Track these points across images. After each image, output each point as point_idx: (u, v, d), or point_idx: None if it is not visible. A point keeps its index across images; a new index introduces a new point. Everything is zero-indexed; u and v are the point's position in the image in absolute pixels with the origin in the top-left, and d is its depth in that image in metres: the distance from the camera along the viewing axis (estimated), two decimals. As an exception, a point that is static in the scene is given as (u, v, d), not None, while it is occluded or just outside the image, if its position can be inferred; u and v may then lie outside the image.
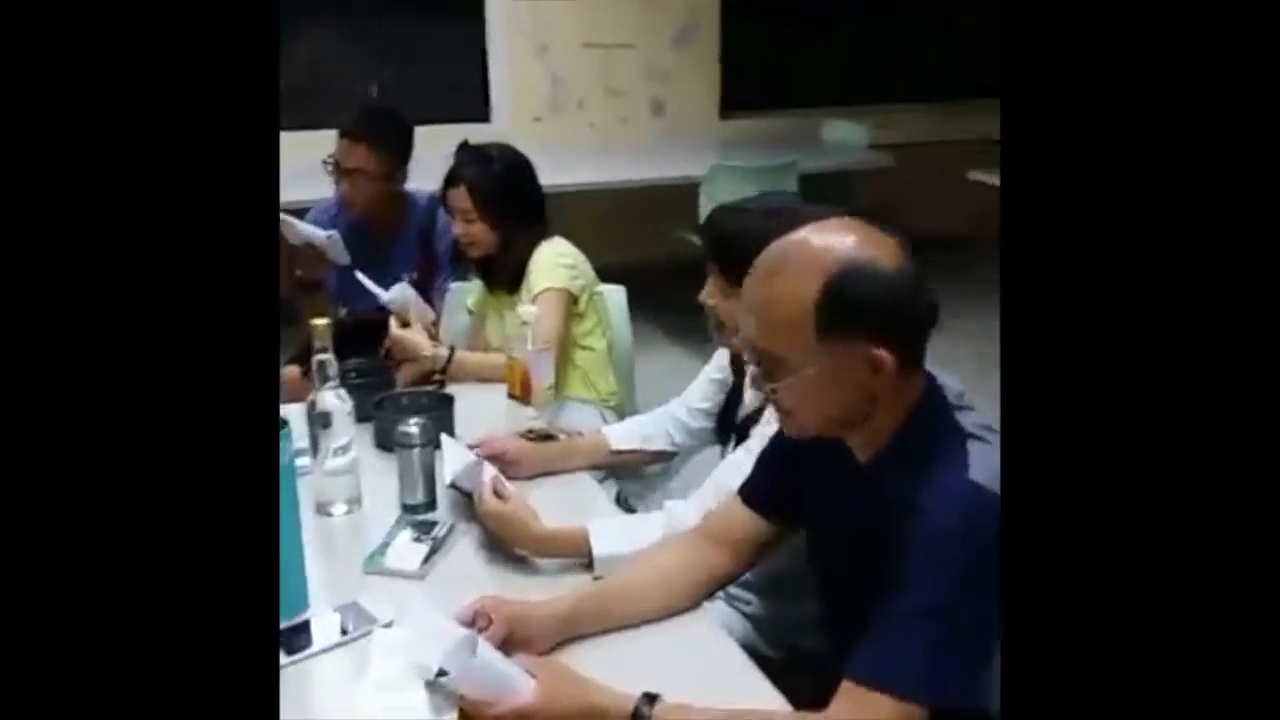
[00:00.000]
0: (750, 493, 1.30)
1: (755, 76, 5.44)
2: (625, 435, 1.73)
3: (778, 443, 1.30)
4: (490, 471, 1.44)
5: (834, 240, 1.04)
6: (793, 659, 1.46)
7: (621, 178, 4.40)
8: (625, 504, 1.92)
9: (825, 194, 4.70)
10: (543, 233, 2.21)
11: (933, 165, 4.77)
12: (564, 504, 1.44)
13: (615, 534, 1.39)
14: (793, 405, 1.09)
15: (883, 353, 1.03)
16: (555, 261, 2.14)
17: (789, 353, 1.04)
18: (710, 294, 1.49)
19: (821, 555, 1.27)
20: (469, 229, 2.14)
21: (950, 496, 1.01)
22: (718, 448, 1.72)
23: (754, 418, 1.51)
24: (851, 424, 1.10)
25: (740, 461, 1.44)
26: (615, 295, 2.38)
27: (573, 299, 2.14)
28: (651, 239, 4.53)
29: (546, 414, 1.68)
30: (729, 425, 1.66)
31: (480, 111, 4.98)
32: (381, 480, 1.56)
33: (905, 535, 1.01)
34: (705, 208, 4.23)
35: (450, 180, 2.14)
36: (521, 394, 1.66)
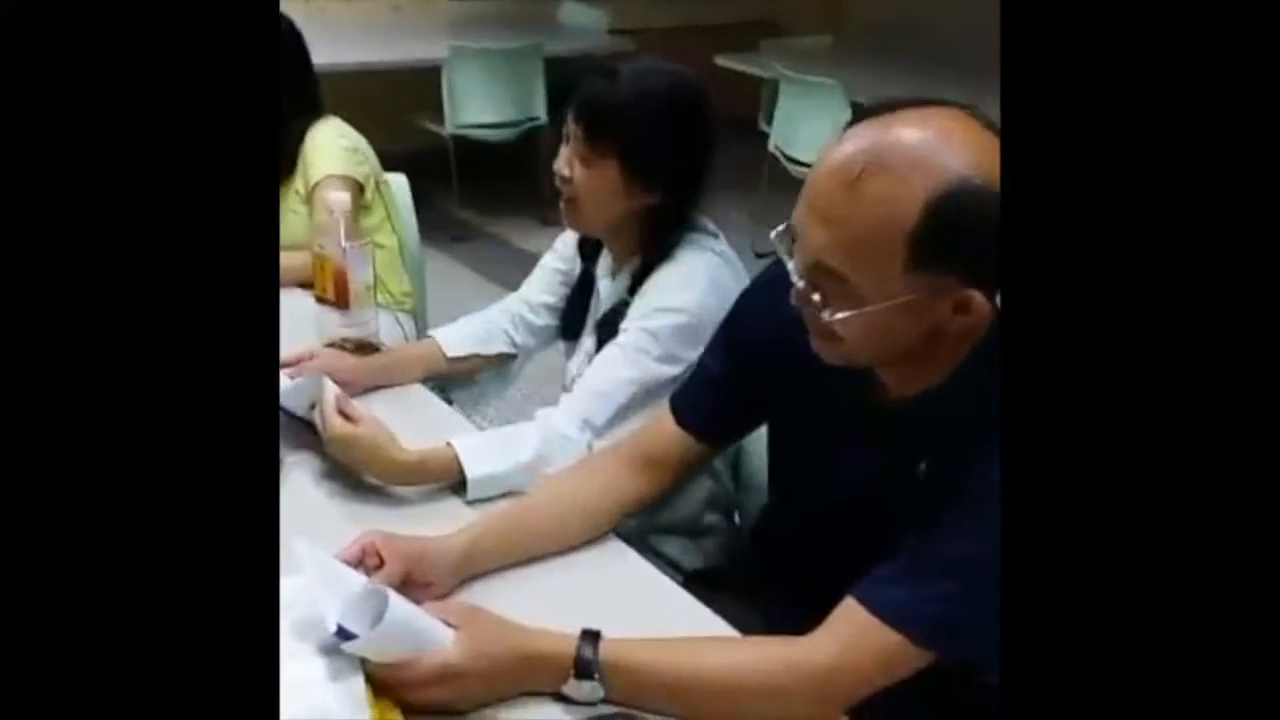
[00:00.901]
0: (688, 411, 1.15)
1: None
2: (461, 339, 1.51)
3: (732, 354, 1.13)
4: (332, 389, 1.20)
5: (945, 148, 0.81)
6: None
7: (347, 60, 3.96)
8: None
9: (574, 78, 4.56)
10: (316, 113, 1.89)
11: (674, 51, 4.69)
12: (408, 424, 1.23)
13: (487, 451, 1.20)
14: (848, 336, 0.87)
15: (977, 294, 0.84)
16: (335, 144, 1.85)
17: (864, 279, 0.83)
18: (567, 162, 1.31)
19: (802, 503, 1.11)
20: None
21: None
22: (561, 345, 1.56)
23: (618, 312, 1.36)
24: (908, 361, 0.92)
25: (617, 360, 1.29)
26: (398, 185, 2.11)
27: (358, 188, 1.86)
28: (389, 128, 4.13)
29: (363, 318, 1.43)
30: (577, 320, 1.50)
31: None
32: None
33: (955, 477, 0.86)
34: (449, 92, 3.93)
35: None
36: (335, 297, 1.39)
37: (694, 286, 1.27)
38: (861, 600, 0.87)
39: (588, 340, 1.46)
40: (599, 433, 1.26)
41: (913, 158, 0.81)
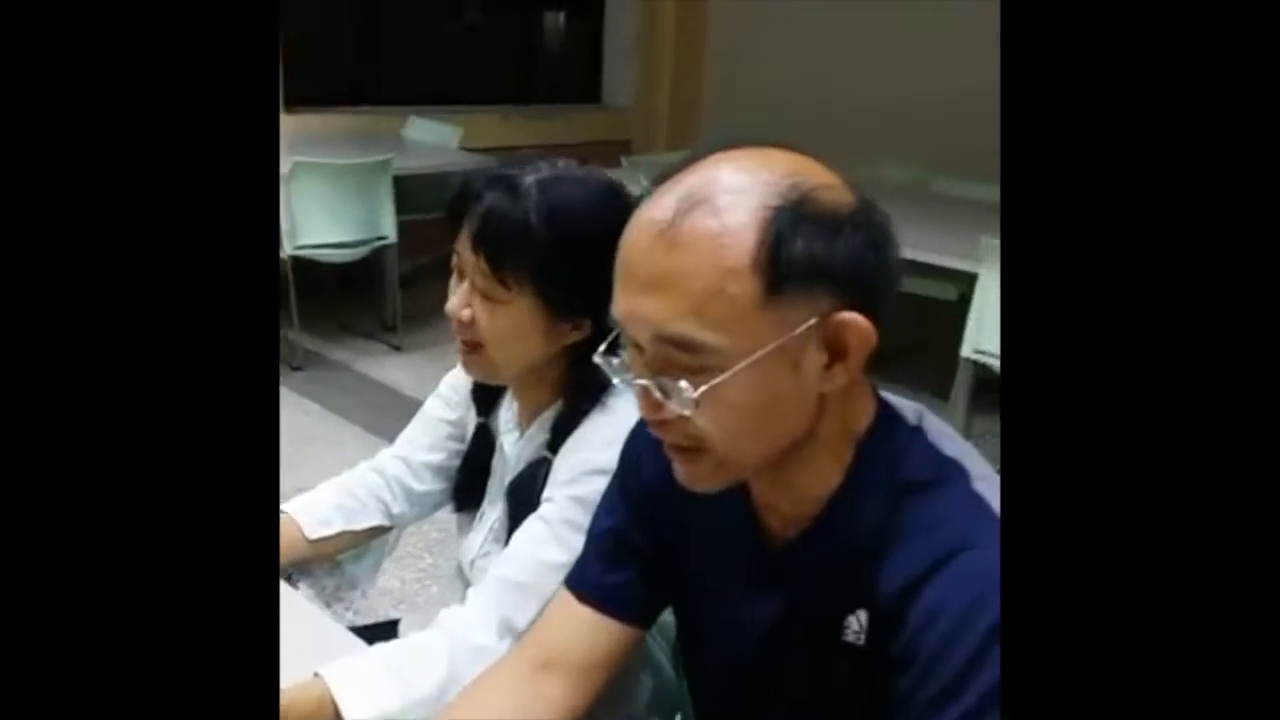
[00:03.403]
0: (595, 588, 0.89)
1: (323, 70, 4.84)
2: (325, 514, 1.18)
3: (626, 508, 0.90)
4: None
5: (762, 166, 0.69)
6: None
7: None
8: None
9: (421, 196, 4.31)
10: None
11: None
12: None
13: (374, 682, 0.89)
14: (716, 423, 0.70)
15: (854, 315, 0.68)
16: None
17: (720, 333, 0.67)
18: (464, 302, 1.03)
19: (714, 675, 0.88)
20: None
21: (964, 581, 0.68)
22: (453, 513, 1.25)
23: (534, 475, 1.07)
24: (788, 463, 0.74)
25: (541, 539, 1.00)
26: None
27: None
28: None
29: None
30: (474, 485, 1.20)
31: None
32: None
33: (907, 634, 0.69)
34: (289, 210, 3.59)
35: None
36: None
37: None
38: None
39: (491, 511, 1.17)
40: (522, 637, 0.96)
41: (728, 184, 0.68)
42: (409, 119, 4.72)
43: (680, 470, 0.75)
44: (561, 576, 0.97)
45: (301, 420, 3.25)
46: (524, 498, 1.07)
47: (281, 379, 3.60)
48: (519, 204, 0.97)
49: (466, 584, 1.17)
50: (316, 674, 0.88)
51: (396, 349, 4.10)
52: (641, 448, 0.90)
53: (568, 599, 0.90)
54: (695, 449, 0.72)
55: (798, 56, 5.15)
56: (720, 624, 0.84)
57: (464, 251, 1.00)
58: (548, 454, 1.06)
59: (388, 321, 4.22)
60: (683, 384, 0.68)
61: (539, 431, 1.10)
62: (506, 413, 1.17)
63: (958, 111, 3.78)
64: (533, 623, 0.96)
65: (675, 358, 0.68)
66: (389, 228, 3.86)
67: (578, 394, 1.06)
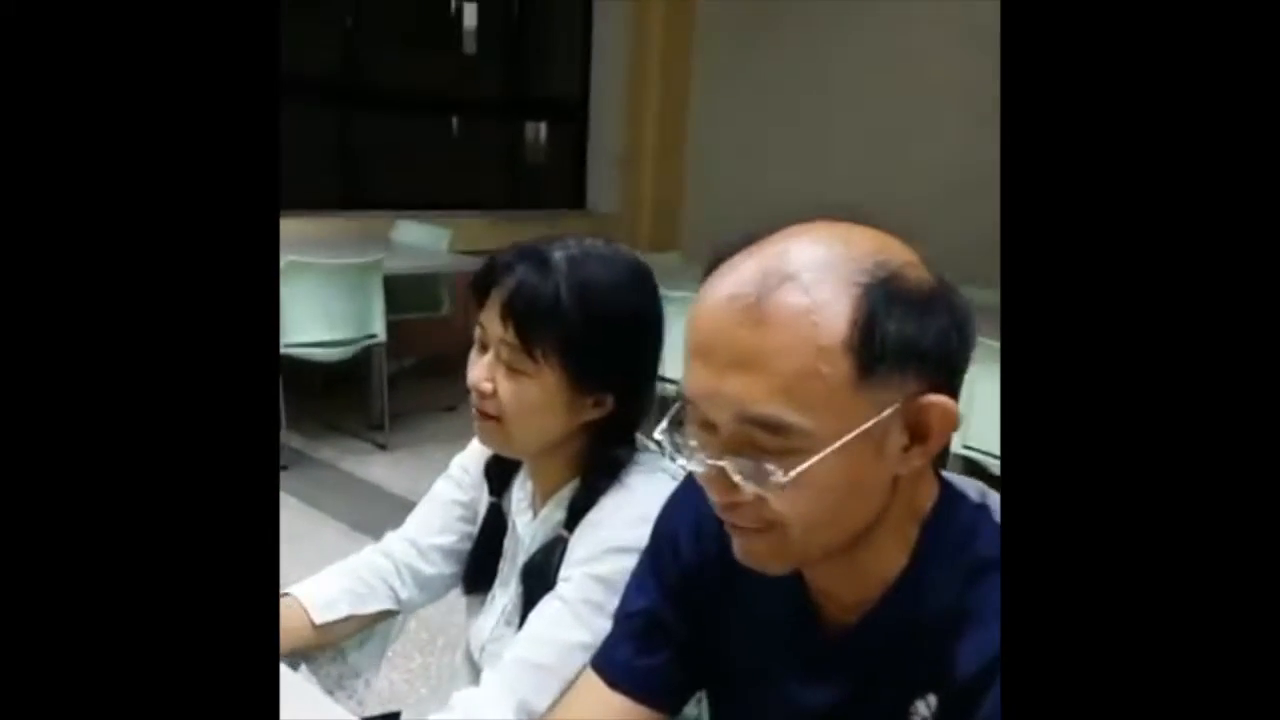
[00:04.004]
0: (624, 672, 0.87)
1: (312, 177, 4.93)
2: (331, 598, 1.16)
3: (659, 590, 0.89)
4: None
5: (846, 240, 0.67)
6: None
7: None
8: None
9: (410, 297, 4.34)
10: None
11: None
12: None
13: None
14: (797, 506, 0.67)
15: (940, 397, 0.66)
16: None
17: (812, 415, 0.64)
18: (488, 373, 1.03)
19: None
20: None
21: None
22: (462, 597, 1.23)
23: (550, 555, 1.06)
24: (859, 546, 0.72)
25: (560, 619, 0.98)
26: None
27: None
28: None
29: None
30: (484, 569, 1.18)
31: None
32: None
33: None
34: (283, 307, 3.60)
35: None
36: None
37: (652, 520, 0.99)
38: None
39: (503, 594, 1.15)
40: (541, 722, 0.93)
41: (811, 259, 0.65)
42: (397, 223, 4.79)
43: (745, 549, 0.72)
44: (582, 657, 0.95)
45: (286, 516, 3.18)
46: (539, 578, 1.05)
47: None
48: (549, 278, 0.99)
49: (475, 669, 1.14)
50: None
51: (382, 448, 4.06)
52: (677, 528, 0.89)
53: (595, 683, 0.88)
54: (765, 529, 0.69)
55: (779, 160, 5.29)
56: (767, 712, 0.81)
57: (489, 323, 1.01)
58: (564, 533, 1.05)
59: (374, 420, 4.19)
60: (768, 466, 0.65)
61: (554, 510, 1.09)
62: (520, 492, 1.16)
63: (945, 212, 3.87)
64: (552, 706, 0.94)
65: (758, 439, 0.65)
66: (378, 327, 3.87)
67: (596, 472, 1.06)
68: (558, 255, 1.01)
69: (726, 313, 0.65)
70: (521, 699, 0.94)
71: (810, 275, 0.64)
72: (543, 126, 6.09)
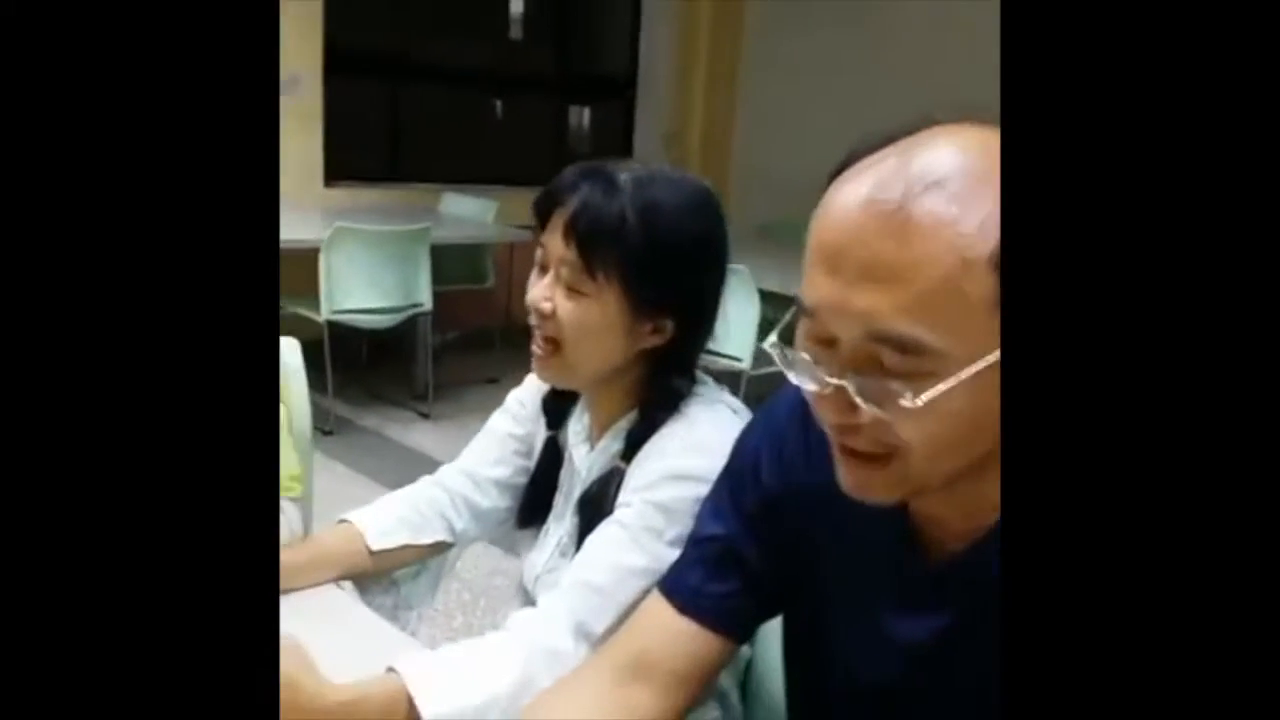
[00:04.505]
0: (692, 597, 0.85)
1: (362, 150, 4.97)
2: (388, 526, 1.15)
3: (736, 518, 0.86)
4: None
5: (992, 151, 0.59)
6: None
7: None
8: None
9: (457, 268, 4.36)
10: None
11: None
12: (319, 643, 0.87)
13: (448, 681, 0.85)
14: (927, 431, 0.62)
15: None
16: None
17: (951, 335, 0.58)
18: (547, 293, 1.02)
19: (843, 698, 0.82)
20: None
21: None
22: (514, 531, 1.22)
23: (608, 484, 1.05)
24: (976, 475, 0.65)
25: (618, 543, 0.97)
26: (288, 352, 1.77)
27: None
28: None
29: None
30: (539, 502, 1.17)
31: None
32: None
33: None
34: (328, 275, 3.63)
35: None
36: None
37: (713, 449, 0.97)
38: None
39: (557, 527, 1.14)
40: (598, 644, 0.92)
41: (963, 165, 0.59)
42: (444, 195, 4.81)
43: (854, 478, 0.67)
44: (638, 582, 0.94)
45: (331, 480, 3.22)
46: (596, 508, 1.04)
47: (313, 442, 3.59)
48: (615, 198, 0.97)
49: (530, 602, 1.14)
50: (391, 668, 0.85)
51: (425, 417, 4.09)
52: (758, 454, 0.86)
53: (661, 606, 0.86)
54: (883, 457, 0.64)
55: (827, 139, 5.22)
56: (858, 644, 0.79)
57: (551, 243, 1.00)
58: (621, 464, 1.04)
59: (418, 390, 4.22)
60: (895, 386, 0.59)
61: (612, 442, 1.08)
62: (576, 425, 1.15)
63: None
64: (610, 629, 0.93)
65: (885, 357, 0.60)
66: (425, 296, 3.89)
67: (655, 402, 1.04)
68: (623, 176, 1.00)
69: (862, 218, 0.60)
70: (579, 620, 0.93)
71: (959, 183, 0.58)
72: (590, 104, 6.08)
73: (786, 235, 4.81)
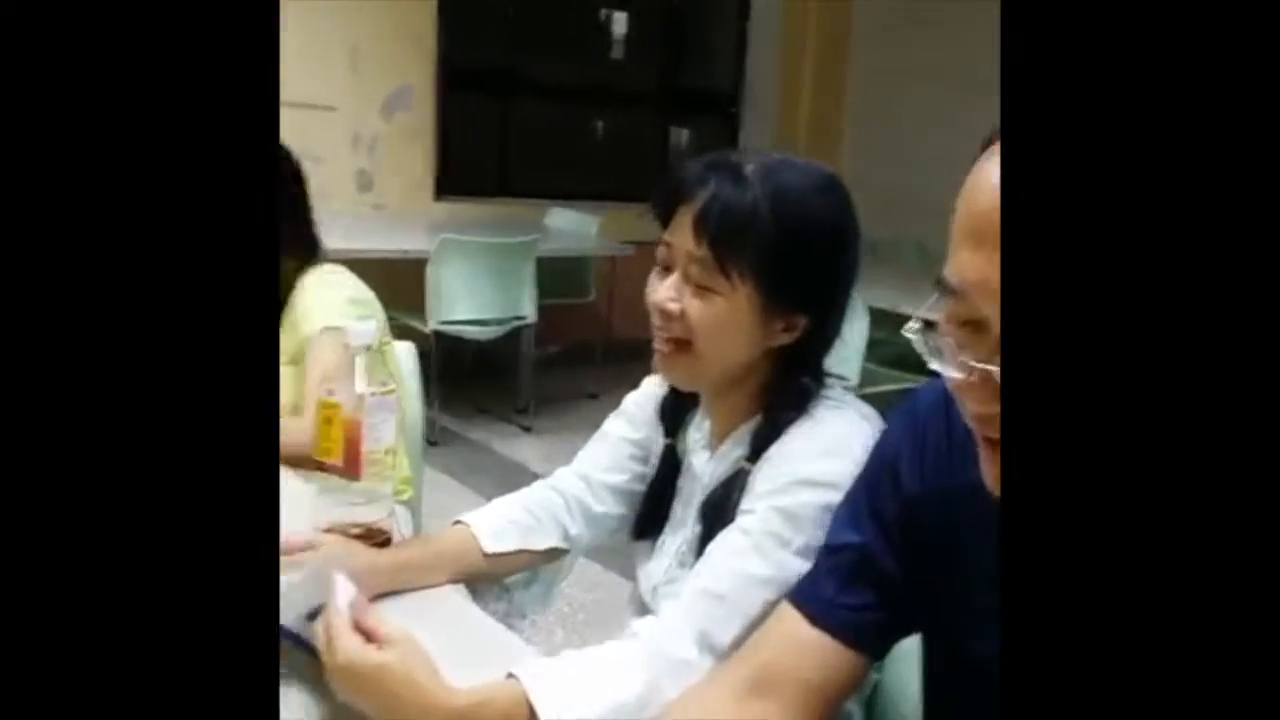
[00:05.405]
0: (822, 607, 0.81)
1: (470, 166, 5.04)
2: (502, 529, 1.13)
3: (873, 526, 0.82)
4: (346, 591, 0.81)
5: None
6: None
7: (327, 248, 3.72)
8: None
9: (561, 282, 4.38)
10: (312, 258, 1.59)
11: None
12: (446, 643, 0.84)
13: (569, 688, 0.82)
14: None
15: None
16: (338, 294, 1.53)
17: None
18: (674, 292, 0.98)
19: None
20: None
21: None
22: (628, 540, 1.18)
23: (731, 489, 1.00)
24: None
25: (743, 551, 0.92)
26: (404, 355, 1.78)
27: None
28: (363, 324, 3.86)
29: (379, 493, 1.05)
30: (657, 511, 1.13)
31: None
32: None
33: None
34: (434, 286, 3.68)
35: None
36: (344, 462, 1.02)
37: (843, 454, 0.92)
38: None
39: (675, 537, 1.10)
40: (722, 655, 0.88)
41: None
42: (550, 209, 4.84)
43: (987, 457, 0.63)
44: (764, 592, 0.89)
45: (435, 492, 3.25)
46: (719, 513, 0.99)
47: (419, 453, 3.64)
48: (745, 190, 0.93)
49: (645, 614, 1.10)
50: (511, 674, 0.82)
51: (527, 430, 4.10)
52: (898, 457, 0.82)
53: (792, 617, 0.82)
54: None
55: (935, 160, 5.11)
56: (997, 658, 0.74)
57: (678, 240, 0.96)
58: (745, 465, 1.00)
59: (520, 403, 4.24)
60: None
61: (735, 447, 1.03)
62: (696, 432, 1.11)
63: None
64: (735, 640, 0.88)
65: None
66: (529, 309, 3.91)
67: (782, 403, 0.99)
68: (750, 166, 0.95)
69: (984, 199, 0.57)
70: (702, 630, 0.88)
71: None
72: (693, 122, 6.07)
73: (896, 253, 4.71)
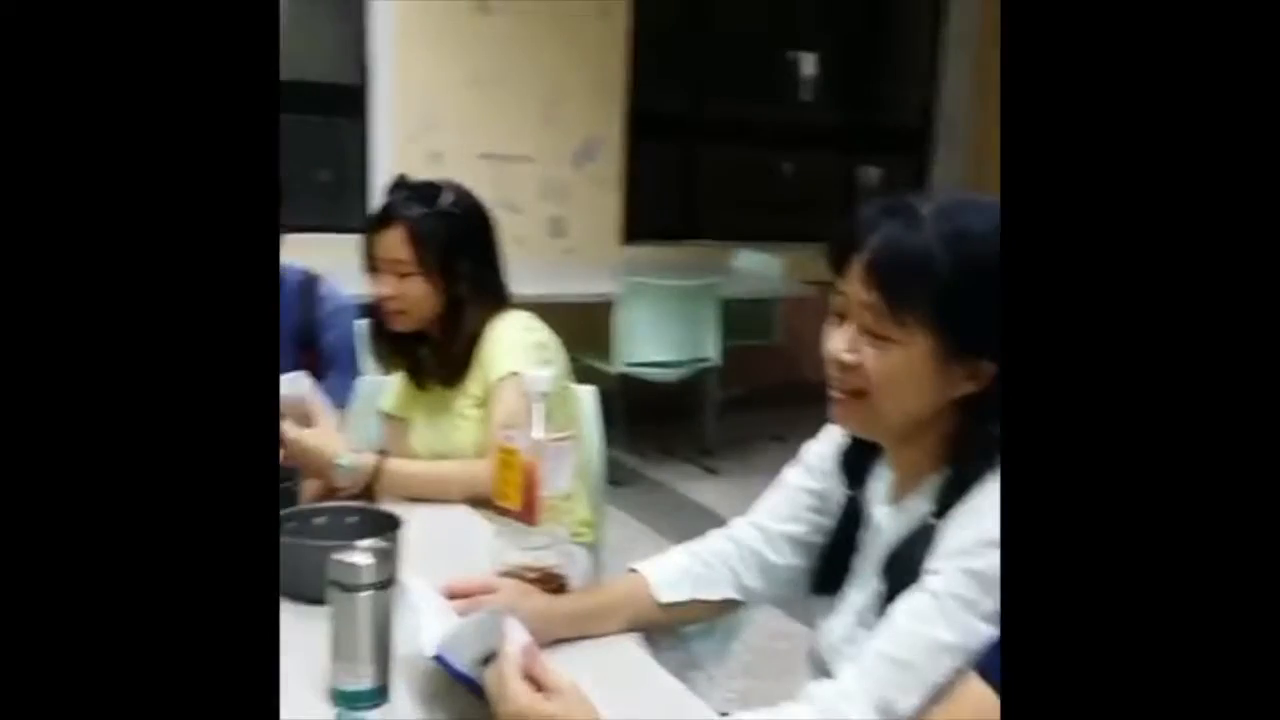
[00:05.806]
0: None
1: (657, 210, 5.12)
2: (675, 578, 1.12)
3: None
4: (519, 637, 0.82)
5: None
6: None
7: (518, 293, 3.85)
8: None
9: (746, 324, 4.37)
10: (501, 304, 1.64)
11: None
12: (617, 695, 0.83)
13: (739, 748, 0.79)
14: None
15: None
16: (524, 339, 1.57)
17: None
18: (848, 342, 0.94)
19: None
20: (403, 287, 1.55)
21: None
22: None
23: (916, 546, 0.95)
24: None
25: (928, 615, 0.87)
26: (586, 399, 1.81)
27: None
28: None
29: (554, 538, 1.06)
30: (837, 564, 1.09)
31: (361, 220, 4.36)
32: (291, 654, 0.89)
33: None
34: (621, 328, 3.74)
35: (380, 221, 1.56)
36: (521, 507, 1.04)
37: None
38: None
39: (857, 593, 1.05)
40: (904, 725, 0.83)
41: None
42: (736, 252, 4.85)
43: None
44: (949, 660, 0.84)
45: (620, 531, 3.28)
46: (905, 571, 0.94)
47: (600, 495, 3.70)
48: (918, 233, 0.89)
49: (822, 672, 1.05)
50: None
51: (712, 472, 4.08)
52: None
53: (979, 691, 0.77)
54: None
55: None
56: None
57: (851, 289, 0.93)
58: (931, 520, 0.94)
59: (704, 445, 4.23)
60: None
61: (920, 500, 0.98)
62: (879, 484, 1.06)
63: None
64: (917, 709, 0.83)
65: None
66: (713, 350, 3.91)
67: (970, 454, 0.93)
68: (925, 208, 0.91)
69: None
70: (882, 697, 0.84)
71: None
72: (883, 161, 5.94)
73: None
